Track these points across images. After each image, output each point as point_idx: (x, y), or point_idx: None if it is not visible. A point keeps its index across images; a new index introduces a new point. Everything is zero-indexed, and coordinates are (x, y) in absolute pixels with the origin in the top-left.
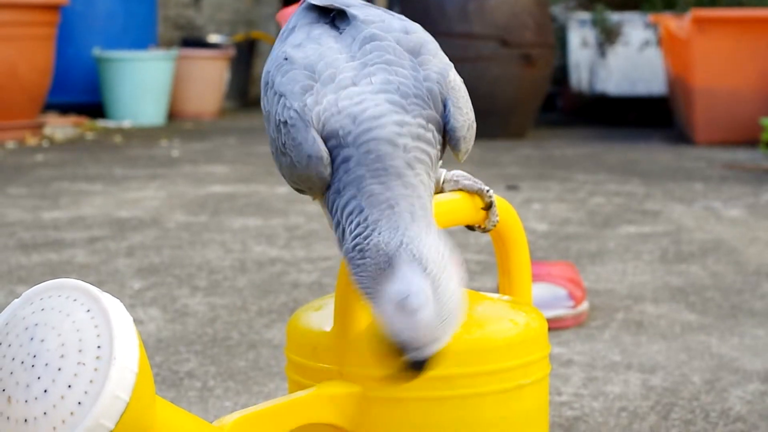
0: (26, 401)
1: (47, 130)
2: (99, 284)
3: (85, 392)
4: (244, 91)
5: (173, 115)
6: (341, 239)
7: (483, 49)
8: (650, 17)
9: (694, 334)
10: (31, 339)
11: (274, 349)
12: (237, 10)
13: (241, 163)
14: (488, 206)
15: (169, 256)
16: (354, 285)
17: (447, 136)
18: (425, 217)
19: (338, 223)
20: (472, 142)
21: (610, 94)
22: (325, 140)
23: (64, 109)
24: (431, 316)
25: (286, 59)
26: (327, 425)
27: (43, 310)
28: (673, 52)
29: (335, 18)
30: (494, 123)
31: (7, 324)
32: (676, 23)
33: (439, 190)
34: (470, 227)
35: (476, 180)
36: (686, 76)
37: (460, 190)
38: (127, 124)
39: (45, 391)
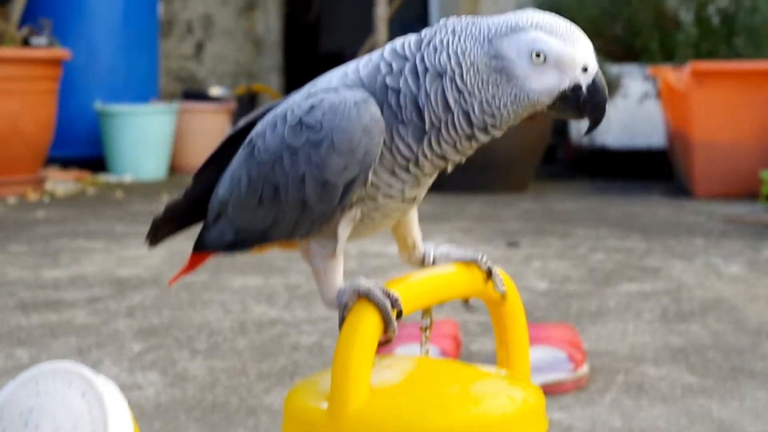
0: None
1: (49, 185)
2: (99, 346)
3: None
4: None
5: (174, 168)
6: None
7: None
8: (649, 69)
9: (695, 397)
10: (26, 424)
11: (273, 414)
12: (238, 62)
13: None
14: (489, 273)
15: (168, 316)
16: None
17: None
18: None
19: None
20: None
21: (610, 147)
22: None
23: (66, 163)
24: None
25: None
26: None
27: (38, 395)
28: (672, 104)
29: None
30: (495, 176)
31: (1, 409)
32: (675, 76)
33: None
34: (465, 305)
35: (466, 250)
36: (685, 128)
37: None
38: (128, 178)
39: None
